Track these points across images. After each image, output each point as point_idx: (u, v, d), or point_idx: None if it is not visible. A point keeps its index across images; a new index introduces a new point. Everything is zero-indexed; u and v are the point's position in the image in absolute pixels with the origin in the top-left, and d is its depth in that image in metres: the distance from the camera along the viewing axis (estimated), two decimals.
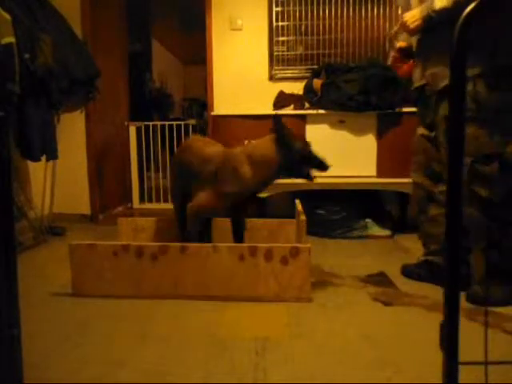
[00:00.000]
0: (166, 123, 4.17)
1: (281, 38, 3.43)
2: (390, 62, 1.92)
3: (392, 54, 1.91)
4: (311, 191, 2.86)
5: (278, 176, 1.91)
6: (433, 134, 1.91)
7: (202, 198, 1.92)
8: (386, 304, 1.75)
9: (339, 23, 3.38)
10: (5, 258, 0.90)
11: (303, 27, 3.42)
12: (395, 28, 1.92)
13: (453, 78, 0.77)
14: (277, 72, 3.46)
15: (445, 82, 1.74)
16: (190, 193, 2.02)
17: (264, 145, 1.89)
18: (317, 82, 2.96)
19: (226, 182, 1.87)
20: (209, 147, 2.06)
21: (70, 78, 2.95)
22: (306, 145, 1.89)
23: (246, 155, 1.88)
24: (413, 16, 1.80)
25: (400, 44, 2.05)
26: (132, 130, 3.94)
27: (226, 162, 1.90)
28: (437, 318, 0.79)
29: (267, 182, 1.92)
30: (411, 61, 2.01)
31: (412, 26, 1.81)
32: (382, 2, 3.34)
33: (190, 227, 1.99)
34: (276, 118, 1.91)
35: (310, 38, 3.43)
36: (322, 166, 1.86)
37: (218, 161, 1.92)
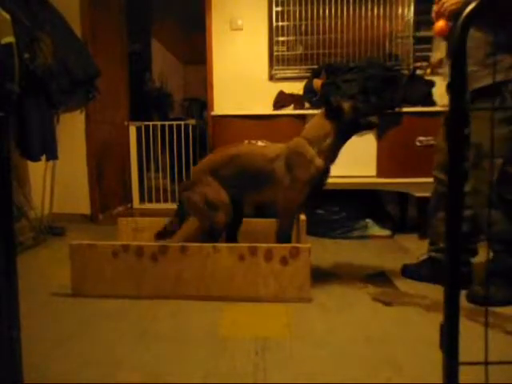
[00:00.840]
0: (166, 123, 4.17)
1: (281, 38, 3.43)
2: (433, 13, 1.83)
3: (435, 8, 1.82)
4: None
5: (343, 141, 1.96)
6: None
7: (291, 195, 1.91)
8: (386, 304, 1.75)
9: (339, 23, 3.38)
10: (5, 258, 0.90)
11: (303, 27, 3.42)
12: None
13: (452, 78, 0.77)
14: (277, 72, 3.46)
15: (480, 84, 1.69)
16: (248, 199, 2.04)
17: (316, 122, 1.97)
18: (317, 82, 2.97)
19: (301, 170, 1.90)
20: (264, 148, 2.07)
21: (70, 78, 2.95)
22: (354, 103, 1.95)
23: (304, 139, 1.94)
24: None
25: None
26: (132, 130, 3.94)
27: (290, 153, 1.93)
28: (437, 318, 0.79)
29: (334, 153, 1.96)
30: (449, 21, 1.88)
31: (449, 9, 1.71)
32: (381, 2, 3.34)
33: (289, 230, 1.96)
34: (324, 89, 1.99)
35: (309, 37, 3.43)
36: (374, 110, 1.98)
37: (283, 155, 1.94)
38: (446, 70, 2.00)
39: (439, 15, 1.79)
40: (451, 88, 0.77)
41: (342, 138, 1.94)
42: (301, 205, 1.96)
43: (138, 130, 3.97)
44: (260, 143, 2.68)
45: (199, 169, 2.10)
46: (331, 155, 1.95)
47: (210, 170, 2.02)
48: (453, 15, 1.71)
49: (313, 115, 2.87)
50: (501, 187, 1.69)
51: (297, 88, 3.22)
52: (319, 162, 1.90)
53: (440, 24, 1.79)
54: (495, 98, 1.68)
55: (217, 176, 2.00)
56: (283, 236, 1.93)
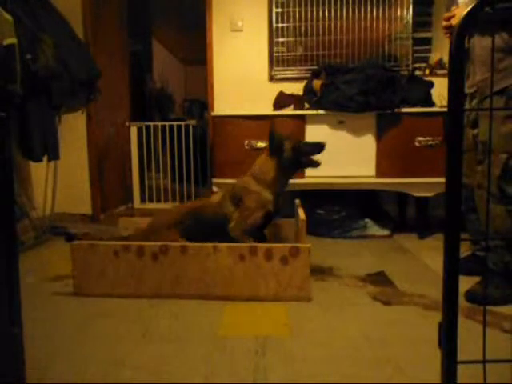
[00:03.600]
0: (167, 123, 4.18)
1: (281, 39, 3.44)
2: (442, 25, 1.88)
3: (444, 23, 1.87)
4: (311, 191, 2.87)
5: (287, 177, 2.09)
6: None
7: (238, 221, 2.01)
8: (386, 303, 1.76)
9: (339, 24, 3.39)
10: (6, 258, 0.91)
11: (303, 28, 3.43)
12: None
13: (451, 81, 0.78)
14: (277, 73, 3.47)
15: (496, 88, 1.71)
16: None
17: (261, 159, 2.10)
18: (316, 83, 2.97)
19: (247, 200, 2.01)
20: (212, 199, 2.21)
21: (72, 79, 2.95)
22: (295, 141, 2.08)
23: (250, 176, 2.07)
24: (459, 12, 1.73)
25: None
26: (133, 131, 3.95)
27: (235, 190, 2.07)
28: (436, 317, 0.80)
29: (281, 186, 2.08)
30: None
31: (455, 23, 1.74)
32: (381, 3, 3.35)
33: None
34: (270, 126, 2.10)
35: (309, 39, 3.43)
36: (315, 150, 2.05)
37: (228, 194, 2.08)
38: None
39: (451, 31, 1.83)
40: (449, 90, 0.78)
41: (284, 173, 2.07)
42: (251, 228, 2.01)
43: (139, 130, 3.98)
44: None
45: (161, 221, 2.15)
46: (277, 188, 2.06)
47: (173, 223, 2.07)
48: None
49: (312, 116, 2.90)
50: (503, 182, 1.70)
51: (297, 89, 3.22)
52: (266, 195, 2.03)
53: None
54: (502, 96, 1.71)
55: (179, 229, 2.04)
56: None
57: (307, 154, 2.06)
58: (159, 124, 4.26)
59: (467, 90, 1.93)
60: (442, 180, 0.79)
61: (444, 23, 1.85)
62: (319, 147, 2.05)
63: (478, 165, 1.79)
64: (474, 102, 1.86)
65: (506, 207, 1.72)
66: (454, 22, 1.76)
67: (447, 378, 0.79)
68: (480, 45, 1.79)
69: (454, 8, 1.85)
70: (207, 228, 2.05)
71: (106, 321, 1.62)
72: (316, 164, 2.07)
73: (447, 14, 1.84)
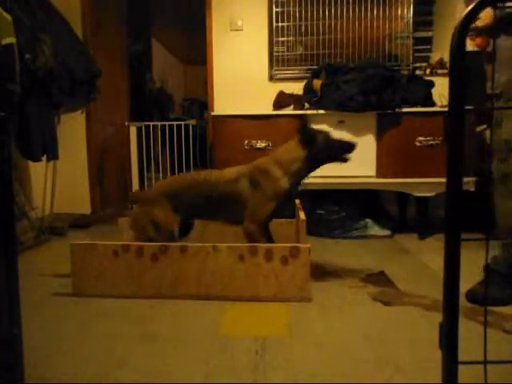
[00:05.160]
0: (167, 123, 4.18)
1: (281, 39, 3.44)
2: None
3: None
4: (311, 191, 2.87)
5: (311, 170, 2.03)
6: None
7: (257, 209, 1.95)
8: (386, 304, 1.75)
9: (339, 24, 3.39)
10: (5, 258, 0.91)
11: (303, 28, 3.43)
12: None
13: (453, 77, 0.77)
14: (277, 72, 3.47)
15: None
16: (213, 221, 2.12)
17: (288, 146, 2.03)
18: (317, 83, 2.97)
19: (266, 186, 1.94)
20: (223, 172, 2.07)
21: (71, 79, 2.95)
22: (327, 136, 2.02)
23: (271, 159, 2.00)
24: (484, 14, 1.73)
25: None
26: (132, 131, 3.94)
27: (255, 171, 1.98)
28: (436, 318, 0.79)
29: (300, 179, 2.02)
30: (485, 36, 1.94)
31: (480, 24, 1.75)
32: (381, 2, 3.34)
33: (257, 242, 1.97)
34: (302, 118, 2.10)
35: (309, 38, 3.44)
36: (346, 148, 2.00)
37: (247, 174, 1.99)
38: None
39: (476, 32, 1.85)
40: (450, 90, 0.78)
41: (310, 166, 2.00)
42: (267, 217, 1.98)
43: (139, 130, 3.97)
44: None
45: (156, 190, 2.12)
46: (296, 180, 2.00)
47: (168, 193, 2.02)
48: (484, 30, 1.78)
49: (313, 115, 2.90)
50: None
51: (297, 88, 3.22)
52: (284, 182, 1.96)
53: (477, 41, 1.88)
54: None
55: (172, 201, 2.00)
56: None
57: (337, 150, 2.01)
58: (159, 124, 4.26)
59: (490, 91, 1.92)
60: (443, 180, 0.79)
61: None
62: (350, 146, 2.00)
63: (501, 163, 1.79)
64: (500, 103, 1.85)
65: None
66: (479, 23, 1.76)
67: (448, 379, 0.79)
68: (506, 46, 1.79)
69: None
70: (213, 204, 1.98)
71: (106, 321, 1.61)
72: (345, 160, 2.02)
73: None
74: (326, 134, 2.03)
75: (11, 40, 2.30)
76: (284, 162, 1.97)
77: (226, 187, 1.97)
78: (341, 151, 2.01)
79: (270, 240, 2.05)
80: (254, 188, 1.95)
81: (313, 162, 2.00)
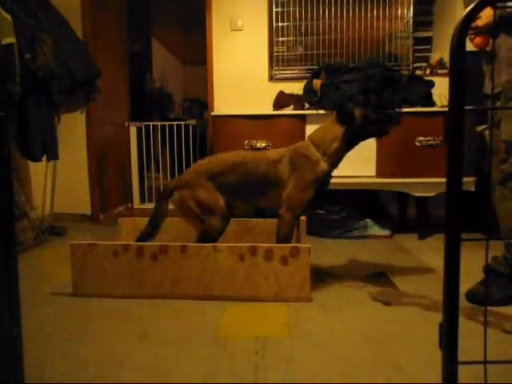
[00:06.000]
0: (167, 123, 4.18)
1: (281, 39, 3.44)
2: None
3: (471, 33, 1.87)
4: None
5: (350, 147, 1.95)
6: None
7: (295, 194, 1.90)
8: (386, 304, 1.75)
9: (339, 24, 3.39)
10: (5, 258, 0.91)
11: (303, 28, 3.43)
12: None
13: (453, 77, 0.77)
14: (277, 72, 3.46)
15: None
16: (251, 204, 2.08)
17: (325, 126, 1.97)
18: (317, 83, 2.97)
19: (306, 171, 1.90)
20: (266, 152, 2.05)
21: (71, 78, 2.95)
22: (366, 110, 1.93)
23: (310, 141, 1.95)
24: (485, 13, 1.73)
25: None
26: (132, 130, 3.95)
27: (295, 154, 1.93)
28: (436, 318, 0.79)
29: (339, 158, 1.96)
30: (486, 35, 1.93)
31: (481, 24, 1.74)
32: (381, 2, 3.34)
33: (290, 230, 1.95)
34: (324, 89, 2.03)
35: (309, 38, 3.43)
36: (388, 121, 1.93)
37: (287, 156, 1.94)
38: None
39: (476, 32, 1.83)
40: (450, 90, 0.77)
41: (349, 143, 1.93)
42: (304, 205, 1.94)
43: (139, 130, 3.97)
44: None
45: (196, 170, 2.03)
46: (336, 159, 1.95)
47: (209, 174, 1.96)
48: (484, 29, 1.76)
49: (313, 115, 2.89)
50: None
51: (297, 88, 3.22)
52: (324, 165, 1.91)
53: (477, 40, 1.86)
54: None
55: (215, 181, 1.95)
56: (284, 236, 1.92)
57: (377, 123, 1.92)
58: (159, 124, 4.26)
59: (488, 91, 1.91)
60: (443, 180, 0.79)
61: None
62: (392, 118, 1.92)
63: (501, 164, 1.79)
64: (499, 102, 1.85)
65: None
66: (479, 22, 1.75)
67: (448, 379, 0.79)
68: (506, 45, 1.78)
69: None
70: (252, 185, 1.94)
71: (106, 321, 1.61)
72: (385, 133, 1.94)
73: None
74: (362, 110, 1.93)
75: (11, 40, 2.30)
76: (322, 142, 1.91)
77: (268, 168, 1.93)
78: (381, 125, 1.92)
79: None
80: (293, 171, 1.91)
81: (352, 138, 1.92)
